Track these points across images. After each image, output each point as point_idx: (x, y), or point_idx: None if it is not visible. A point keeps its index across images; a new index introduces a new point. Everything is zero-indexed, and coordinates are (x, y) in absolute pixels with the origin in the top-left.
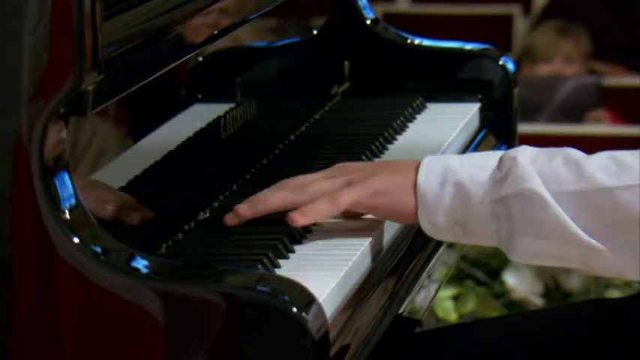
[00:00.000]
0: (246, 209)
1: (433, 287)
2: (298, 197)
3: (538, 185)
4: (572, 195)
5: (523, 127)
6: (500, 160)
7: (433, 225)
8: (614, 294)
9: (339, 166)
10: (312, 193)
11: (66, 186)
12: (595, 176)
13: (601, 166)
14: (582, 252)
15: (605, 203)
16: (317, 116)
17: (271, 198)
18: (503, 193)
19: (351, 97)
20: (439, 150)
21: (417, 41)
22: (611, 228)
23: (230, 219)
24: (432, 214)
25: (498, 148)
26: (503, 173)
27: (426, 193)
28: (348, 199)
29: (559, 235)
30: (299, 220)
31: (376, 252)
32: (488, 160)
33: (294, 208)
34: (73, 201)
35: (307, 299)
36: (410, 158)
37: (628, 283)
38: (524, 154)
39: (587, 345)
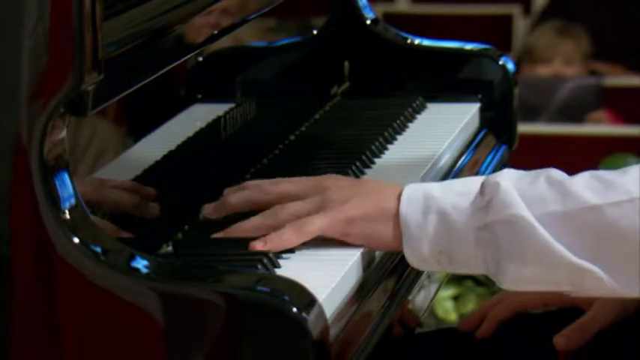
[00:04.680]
0: (219, 236)
1: (433, 287)
2: (271, 222)
3: (522, 209)
4: (559, 216)
5: (523, 128)
6: (482, 186)
7: (418, 256)
8: None
9: (320, 181)
10: (284, 219)
11: (66, 186)
12: (581, 195)
13: (586, 184)
14: (571, 274)
15: (593, 221)
16: (317, 116)
17: (245, 226)
18: (487, 220)
19: (351, 97)
20: (440, 150)
21: (417, 41)
22: (601, 247)
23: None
24: (416, 244)
25: (498, 148)
26: (485, 200)
27: (408, 223)
28: (315, 227)
29: (546, 258)
30: (259, 247)
31: (376, 252)
32: (468, 186)
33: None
34: (73, 201)
35: (307, 299)
36: (404, 165)
37: None
38: (506, 178)
39: (585, 347)
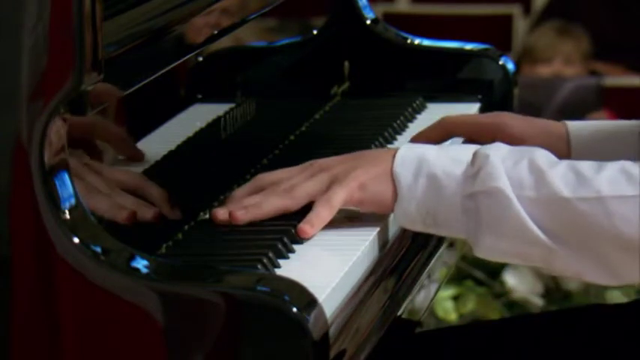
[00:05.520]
0: (243, 214)
1: (433, 287)
2: (288, 202)
3: (504, 184)
4: (532, 200)
5: None
6: (474, 156)
7: (405, 215)
8: (615, 293)
9: (314, 163)
10: (300, 197)
11: (66, 186)
12: (556, 186)
13: (562, 175)
14: (543, 252)
15: (562, 211)
16: (317, 116)
17: (265, 206)
18: (473, 189)
19: (351, 97)
20: None
21: (417, 41)
22: (569, 234)
23: (221, 215)
24: (405, 204)
25: None
26: (475, 169)
27: (400, 183)
28: (340, 198)
29: (520, 234)
30: (309, 231)
31: (376, 252)
32: (463, 154)
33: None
34: (73, 201)
35: (307, 299)
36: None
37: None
38: (497, 151)
39: (585, 348)
